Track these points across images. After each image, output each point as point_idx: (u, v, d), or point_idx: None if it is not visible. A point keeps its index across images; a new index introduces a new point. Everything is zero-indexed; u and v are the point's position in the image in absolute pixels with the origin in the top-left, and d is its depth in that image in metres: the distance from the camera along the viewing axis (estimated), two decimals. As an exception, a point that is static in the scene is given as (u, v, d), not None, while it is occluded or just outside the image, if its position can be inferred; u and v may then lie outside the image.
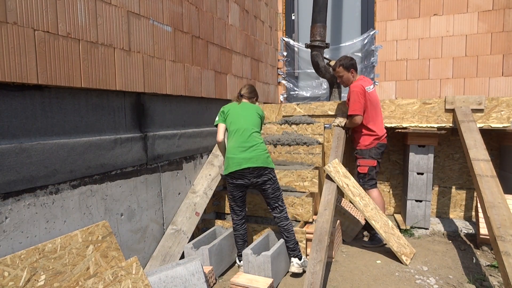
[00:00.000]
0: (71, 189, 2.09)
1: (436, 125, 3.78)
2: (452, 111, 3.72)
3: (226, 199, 3.57)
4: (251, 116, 2.88)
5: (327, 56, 4.56)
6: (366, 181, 3.41)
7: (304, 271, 2.84)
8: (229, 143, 2.83)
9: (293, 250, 2.83)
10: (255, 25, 4.57)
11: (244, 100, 3.00)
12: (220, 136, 2.88)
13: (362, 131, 3.47)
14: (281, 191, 2.91)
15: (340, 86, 4.53)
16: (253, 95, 3.04)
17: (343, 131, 3.68)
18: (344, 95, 4.93)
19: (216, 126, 2.93)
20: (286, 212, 2.87)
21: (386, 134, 3.51)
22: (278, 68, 5.42)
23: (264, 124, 3.93)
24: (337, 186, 3.18)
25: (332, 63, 4.39)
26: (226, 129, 2.90)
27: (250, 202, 3.43)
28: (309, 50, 4.71)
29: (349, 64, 3.47)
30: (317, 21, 4.33)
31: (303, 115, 4.20)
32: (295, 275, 2.85)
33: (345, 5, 5.10)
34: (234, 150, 2.75)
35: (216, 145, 3.56)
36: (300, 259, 2.83)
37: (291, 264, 2.82)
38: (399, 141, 4.37)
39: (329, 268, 2.97)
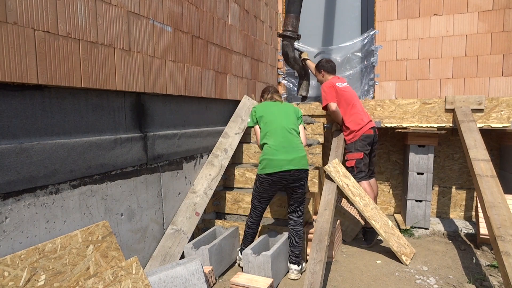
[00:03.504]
0: (71, 189, 2.09)
1: (436, 125, 3.78)
2: (452, 111, 3.72)
3: (226, 199, 3.57)
4: (290, 115, 2.81)
5: (324, 53, 4.58)
6: (355, 174, 3.42)
7: (305, 269, 2.85)
8: (268, 143, 2.67)
9: (296, 256, 2.81)
10: (255, 25, 4.57)
11: (277, 98, 2.96)
12: (258, 138, 2.81)
13: (343, 127, 3.65)
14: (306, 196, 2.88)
15: (309, 78, 4.61)
16: (279, 95, 3.05)
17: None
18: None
19: (250, 127, 2.90)
20: (303, 219, 2.84)
21: (370, 125, 3.52)
22: (278, 68, 5.42)
23: None
24: (337, 186, 3.18)
25: (304, 54, 4.45)
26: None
27: (249, 202, 3.43)
28: (310, 49, 4.71)
29: (320, 65, 3.87)
30: (291, 11, 4.29)
31: (303, 115, 4.20)
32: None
33: (345, 5, 5.10)
34: (273, 150, 2.62)
35: (216, 145, 3.56)
36: (299, 265, 2.82)
37: (291, 271, 2.82)
38: (399, 141, 4.37)
39: (329, 268, 2.97)
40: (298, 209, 2.81)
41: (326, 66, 3.83)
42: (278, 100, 2.96)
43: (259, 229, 3.08)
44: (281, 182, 2.66)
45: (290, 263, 2.84)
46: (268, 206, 3.40)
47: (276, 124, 2.71)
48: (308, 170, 2.77)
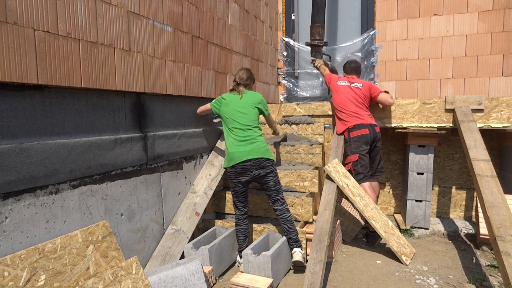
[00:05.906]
0: (71, 189, 2.09)
1: (436, 125, 3.78)
2: (452, 111, 3.72)
3: (226, 199, 3.57)
4: (250, 111, 2.91)
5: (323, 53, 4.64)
6: (354, 176, 3.41)
7: (306, 261, 2.86)
8: (229, 139, 2.88)
9: (295, 241, 2.86)
10: (255, 25, 4.57)
11: (241, 89, 2.99)
12: (200, 109, 3.21)
13: (335, 119, 3.81)
14: (281, 184, 2.99)
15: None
16: (250, 81, 3.06)
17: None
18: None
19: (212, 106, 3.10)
20: (287, 205, 2.93)
21: (363, 123, 3.54)
22: (278, 68, 5.42)
23: (264, 125, 3.93)
24: (337, 186, 3.18)
25: (317, 62, 4.45)
26: (220, 117, 3.01)
27: (250, 202, 3.43)
28: (309, 49, 4.71)
29: (344, 67, 3.90)
30: (316, 21, 4.50)
31: (303, 115, 4.20)
32: (298, 269, 2.88)
33: (345, 5, 5.10)
34: (234, 145, 2.82)
35: (216, 145, 3.57)
36: (302, 248, 2.87)
37: (294, 253, 2.83)
38: (399, 141, 4.37)
39: (329, 268, 2.97)
40: (277, 198, 2.89)
41: (345, 67, 3.91)
42: (244, 90, 3.00)
43: (249, 228, 3.10)
44: (245, 173, 2.81)
45: (292, 248, 2.88)
46: (268, 207, 3.41)
47: (237, 123, 2.86)
48: (270, 159, 2.86)
